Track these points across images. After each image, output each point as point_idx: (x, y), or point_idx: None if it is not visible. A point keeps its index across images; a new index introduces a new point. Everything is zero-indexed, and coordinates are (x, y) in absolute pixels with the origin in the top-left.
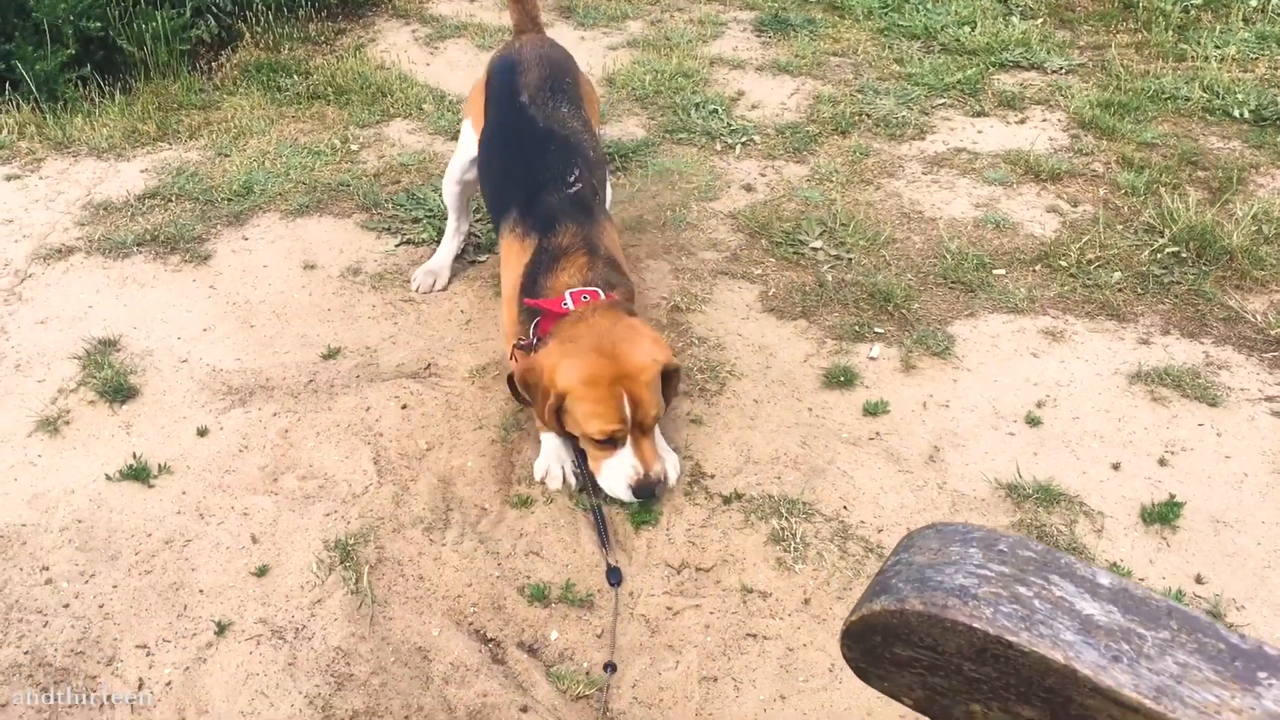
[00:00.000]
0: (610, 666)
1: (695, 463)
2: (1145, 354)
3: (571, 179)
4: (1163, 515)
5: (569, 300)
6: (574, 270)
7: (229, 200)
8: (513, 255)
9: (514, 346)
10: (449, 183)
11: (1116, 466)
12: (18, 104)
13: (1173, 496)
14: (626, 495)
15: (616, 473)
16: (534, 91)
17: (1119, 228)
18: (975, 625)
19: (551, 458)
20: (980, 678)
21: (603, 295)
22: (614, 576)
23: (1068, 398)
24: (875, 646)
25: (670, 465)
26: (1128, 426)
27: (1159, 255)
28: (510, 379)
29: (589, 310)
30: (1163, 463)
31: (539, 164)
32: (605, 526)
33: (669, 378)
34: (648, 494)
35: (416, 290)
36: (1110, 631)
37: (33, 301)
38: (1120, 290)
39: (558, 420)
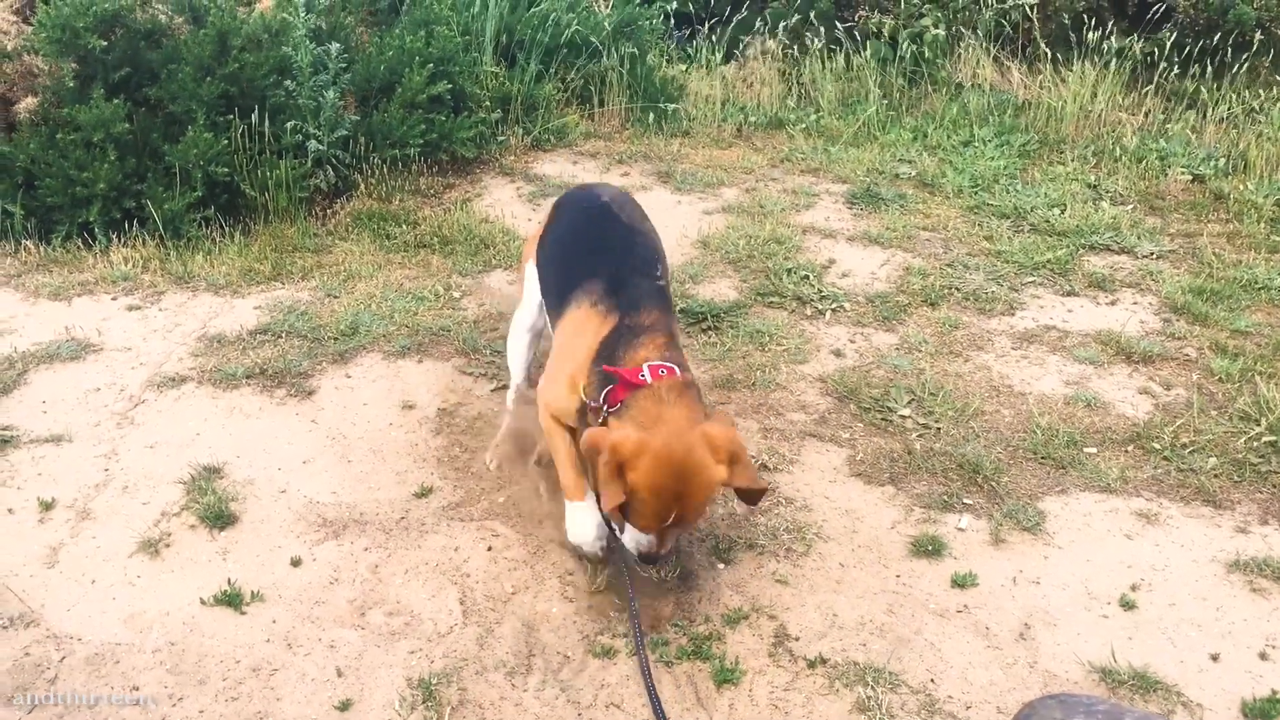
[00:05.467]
0: None
1: (780, 623)
2: (1243, 543)
3: (658, 273)
4: (1265, 712)
5: (646, 372)
6: (653, 348)
7: (335, 339)
8: (588, 326)
9: (584, 405)
10: (519, 331)
11: (1215, 657)
12: (144, 239)
13: (1275, 692)
14: (631, 555)
15: (632, 539)
16: (614, 196)
17: (1213, 413)
18: None
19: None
20: None
21: (678, 373)
22: None
23: (1163, 582)
24: None
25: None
26: (1226, 616)
27: (1255, 444)
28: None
29: (664, 388)
30: (1264, 656)
31: (627, 252)
32: (661, 708)
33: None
34: (650, 562)
35: (490, 466)
36: None
37: (144, 426)
38: (1216, 476)
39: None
